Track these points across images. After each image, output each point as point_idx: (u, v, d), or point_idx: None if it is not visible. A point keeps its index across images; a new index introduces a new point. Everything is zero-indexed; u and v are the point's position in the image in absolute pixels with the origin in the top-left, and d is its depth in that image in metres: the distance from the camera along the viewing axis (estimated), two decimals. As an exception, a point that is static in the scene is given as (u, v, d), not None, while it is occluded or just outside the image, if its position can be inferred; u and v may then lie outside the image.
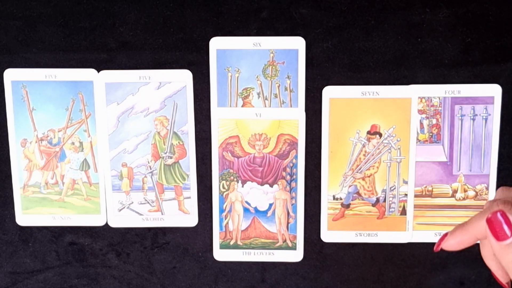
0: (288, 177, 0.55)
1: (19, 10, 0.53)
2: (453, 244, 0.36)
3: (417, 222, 0.55)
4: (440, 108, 0.53)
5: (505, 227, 0.31)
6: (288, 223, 0.55)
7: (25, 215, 0.56)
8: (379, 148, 0.54)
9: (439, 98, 0.53)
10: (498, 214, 0.32)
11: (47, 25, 0.53)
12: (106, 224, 0.56)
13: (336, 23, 0.52)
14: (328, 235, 0.55)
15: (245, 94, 0.54)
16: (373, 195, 0.55)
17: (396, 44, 0.52)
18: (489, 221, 0.32)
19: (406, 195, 0.55)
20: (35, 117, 0.55)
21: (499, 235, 0.32)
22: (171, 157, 0.55)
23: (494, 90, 0.53)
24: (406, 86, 0.53)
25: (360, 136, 0.54)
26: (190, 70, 0.53)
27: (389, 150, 0.54)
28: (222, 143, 0.54)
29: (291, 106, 0.54)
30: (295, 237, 0.56)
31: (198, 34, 0.53)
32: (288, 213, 0.55)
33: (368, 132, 0.54)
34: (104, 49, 0.53)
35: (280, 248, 0.56)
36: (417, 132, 0.54)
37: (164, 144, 0.55)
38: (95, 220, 0.56)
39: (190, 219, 0.56)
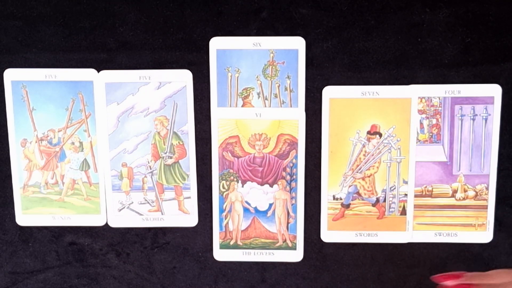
0: (288, 177, 0.55)
1: (19, 10, 0.53)
2: None
3: (417, 222, 0.55)
4: (440, 108, 0.53)
5: None
6: (288, 223, 0.55)
7: (25, 215, 0.56)
8: (379, 148, 0.54)
9: (439, 98, 0.53)
10: None
11: (47, 25, 0.53)
12: (106, 224, 0.56)
13: (336, 23, 0.52)
14: (328, 235, 0.55)
15: (245, 94, 0.54)
16: (373, 195, 0.55)
17: (396, 44, 0.52)
18: None
19: (406, 195, 0.55)
20: (35, 117, 0.55)
21: None
22: (171, 157, 0.55)
23: (494, 90, 0.53)
24: (406, 86, 0.53)
25: (360, 136, 0.54)
26: (190, 70, 0.53)
27: (389, 150, 0.54)
28: (222, 143, 0.54)
29: (291, 106, 0.54)
30: (295, 237, 0.56)
31: (198, 34, 0.53)
32: (288, 213, 0.55)
33: (368, 132, 0.54)
34: (104, 49, 0.53)
35: (280, 248, 0.56)
36: (417, 132, 0.54)
37: (164, 144, 0.55)
38: (95, 220, 0.56)
39: (190, 219, 0.56)
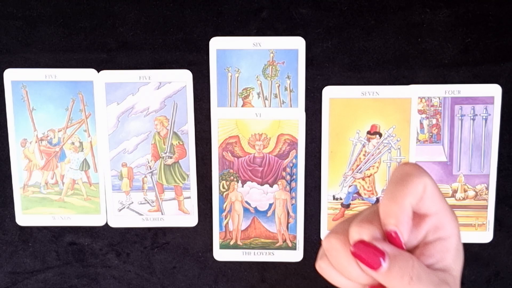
0: (288, 177, 0.55)
1: (19, 10, 0.53)
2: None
3: (417, 222, 0.55)
4: (440, 108, 0.53)
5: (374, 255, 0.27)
6: (288, 223, 0.55)
7: (25, 215, 0.56)
8: (379, 148, 0.54)
9: (439, 98, 0.53)
10: (361, 245, 0.28)
11: (47, 25, 0.53)
12: (106, 224, 0.56)
13: (336, 23, 0.52)
14: (328, 235, 0.55)
15: (245, 94, 0.54)
16: (373, 195, 0.55)
17: (396, 44, 0.52)
18: (355, 255, 0.28)
19: (406, 195, 0.54)
20: (35, 117, 0.55)
21: (373, 265, 0.28)
22: (171, 157, 0.55)
23: (494, 90, 0.53)
24: (406, 86, 0.53)
25: (360, 136, 0.54)
26: (190, 70, 0.53)
27: (389, 150, 0.54)
28: (222, 143, 0.54)
29: (291, 106, 0.54)
30: (295, 237, 0.56)
31: (198, 34, 0.53)
32: (288, 213, 0.55)
33: (368, 132, 0.54)
34: (104, 49, 0.53)
35: (280, 248, 0.56)
36: (417, 132, 0.54)
37: (164, 144, 0.55)
38: (95, 220, 0.56)
39: (190, 219, 0.56)
